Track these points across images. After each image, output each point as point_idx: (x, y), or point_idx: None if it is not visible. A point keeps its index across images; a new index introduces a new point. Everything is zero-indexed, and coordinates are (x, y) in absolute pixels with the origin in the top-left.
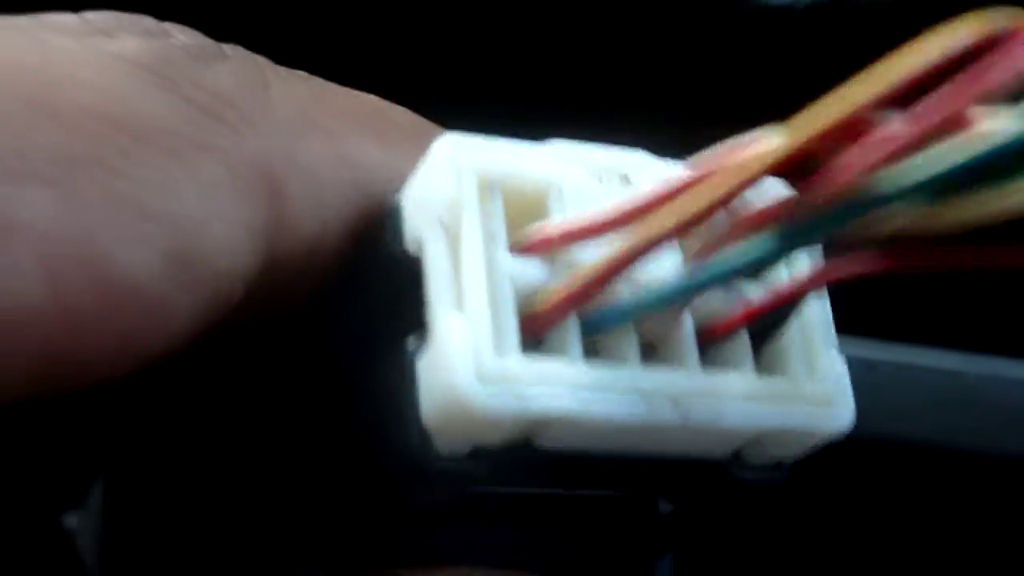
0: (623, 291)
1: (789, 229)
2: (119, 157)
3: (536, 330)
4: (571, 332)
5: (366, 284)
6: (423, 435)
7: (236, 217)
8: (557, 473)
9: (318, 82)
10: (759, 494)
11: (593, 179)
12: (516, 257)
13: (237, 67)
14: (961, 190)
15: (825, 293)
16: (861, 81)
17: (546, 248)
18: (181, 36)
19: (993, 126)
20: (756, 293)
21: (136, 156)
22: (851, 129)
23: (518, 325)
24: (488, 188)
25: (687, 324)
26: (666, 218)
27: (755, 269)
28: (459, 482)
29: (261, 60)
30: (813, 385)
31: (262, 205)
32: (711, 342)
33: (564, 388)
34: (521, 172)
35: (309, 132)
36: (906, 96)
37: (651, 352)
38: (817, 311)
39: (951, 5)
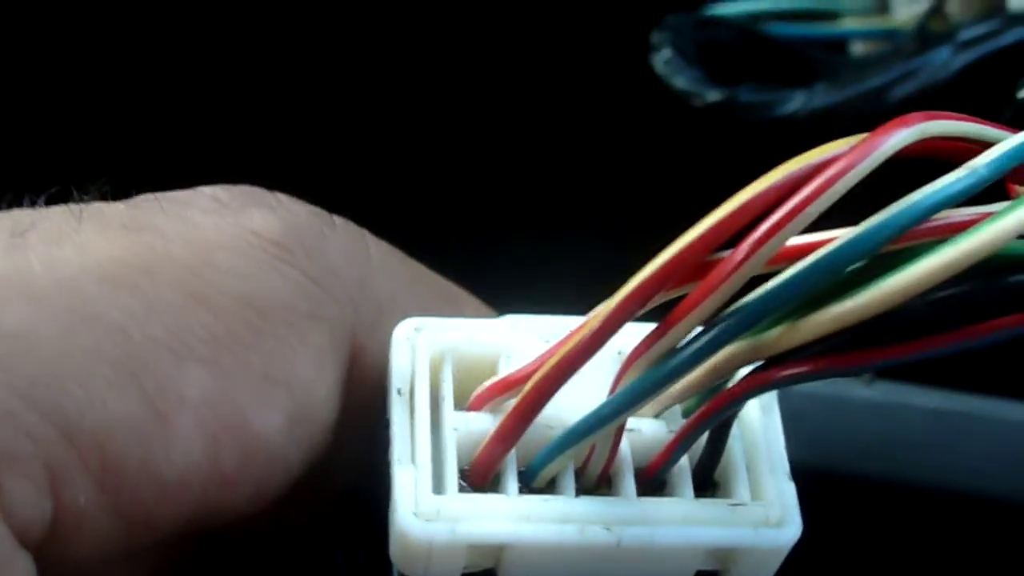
0: (552, 435)
1: (654, 366)
2: (250, 332)
3: (481, 473)
4: (508, 471)
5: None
6: (399, 573)
7: (332, 379)
8: None
9: (409, 262)
10: None
11: (541, 342)
12: (464, 413)
13: (345, 239)
14: (800, 306)
15: (777, 418)
16: (696, 226)
17: (484, 402)
18: (297, 207)
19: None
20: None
21: (263, 330)
22: (691, 266)
23: (459, 470)
24: (440, 360)
25: (624, 458)
26: (557, 361)
27: (635, 404)
28: None
29: (365, 232)
30: (756, 506)
31: (345, 368)
32: (653, 474)
33: (497, 519)
34: (471, 344)
35: (392, 311)
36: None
37: (596, 488)
38: (764, 433)
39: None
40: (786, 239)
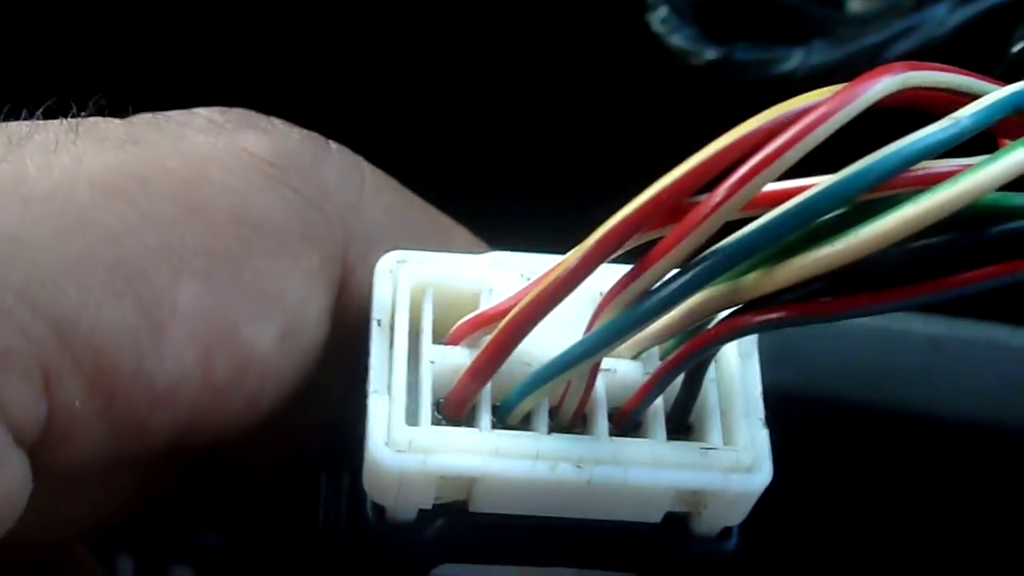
0: (528, 371)
1: (630, 306)
2: (243, 248)
3: (456, 406)
4: (482, 406)
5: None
6: (373, 506)
7: (323, 299)
8: (507, 543)
9: (403, 192)
10: (711, 562)
11: (522, 280)
12: (443, 347)
13: (339, 163)
14: (779, 251)
15: (756, 364)
16: (674, 169)
17: (462, 336)
18: (292, 130)
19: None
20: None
21: (255, 247)
22: (669, 208)
23: (434, 402)
24: (421, 293)
25: (599, 398)
26: (532, 299)
27: (609, 344)
28: (413, 543)
29: (360, 159)
30: (727, 450)
31: (335, 291)
32: (628, 414)
33: (469, 453)
34: (452, 278)
35: (383, 238)
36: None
37: (570, 426)
38: (741, 378)
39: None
40: (763, 184)
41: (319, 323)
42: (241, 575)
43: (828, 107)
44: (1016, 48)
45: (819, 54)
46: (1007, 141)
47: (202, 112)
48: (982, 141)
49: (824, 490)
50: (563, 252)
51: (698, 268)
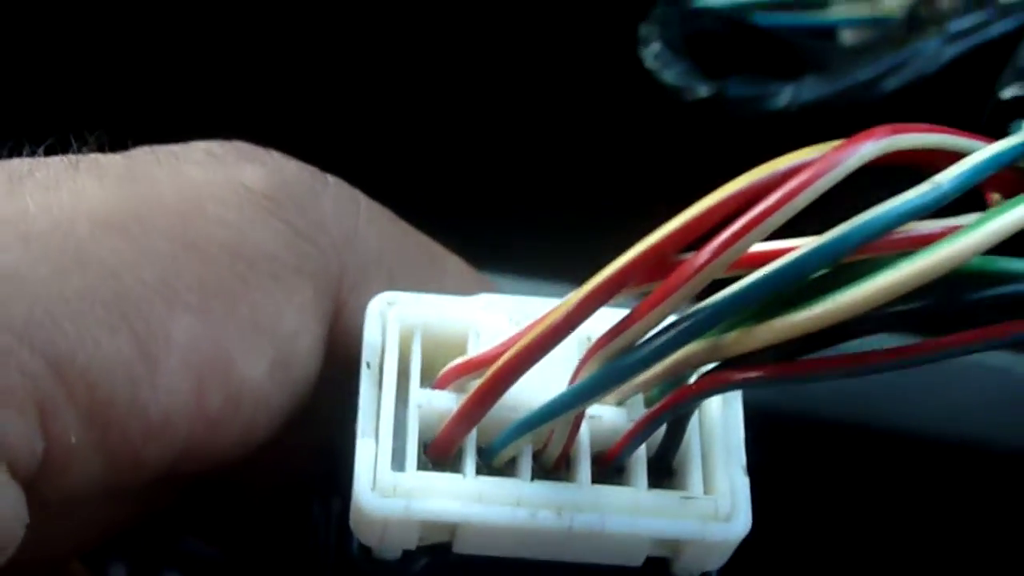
0: (513, 417)
1: (613, 360)
2: (238, 282)
3: (442, 450)
4: (467, 451)
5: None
6: (359, 544)
7: (316, 330)
8: None
9: (398, 223)
10: None
11: (512, 324)
12: (430, 391)
13: (335, 195)
14: (760, 311)
15: (739, 412)
16: (662, 226)
17: (450, 380)
18: (290, 164)
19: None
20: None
21: (250, 280)
22: (655, 265)
23: (419, 446)
24: (410, 335)
25: (583, 443)
26: (518, 350)
27: (592, 396)
28: None
29: (357, 192)
30: (706, 499)
31: (328, 322)
32: (611, 460)
33: (451, 498)
34: (441, 321)
35: (377, 270)
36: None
37: (554, 469)
38: (724, 425)
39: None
40: (748, 246)
41: (312, 354)
42: None
43: (811, 173)
44: (1005, 95)
45: (811, 89)
46: (994, 196)
47: (200, 145)
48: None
49: (798, 508)
50: (554, 281)
51: (682, 327)
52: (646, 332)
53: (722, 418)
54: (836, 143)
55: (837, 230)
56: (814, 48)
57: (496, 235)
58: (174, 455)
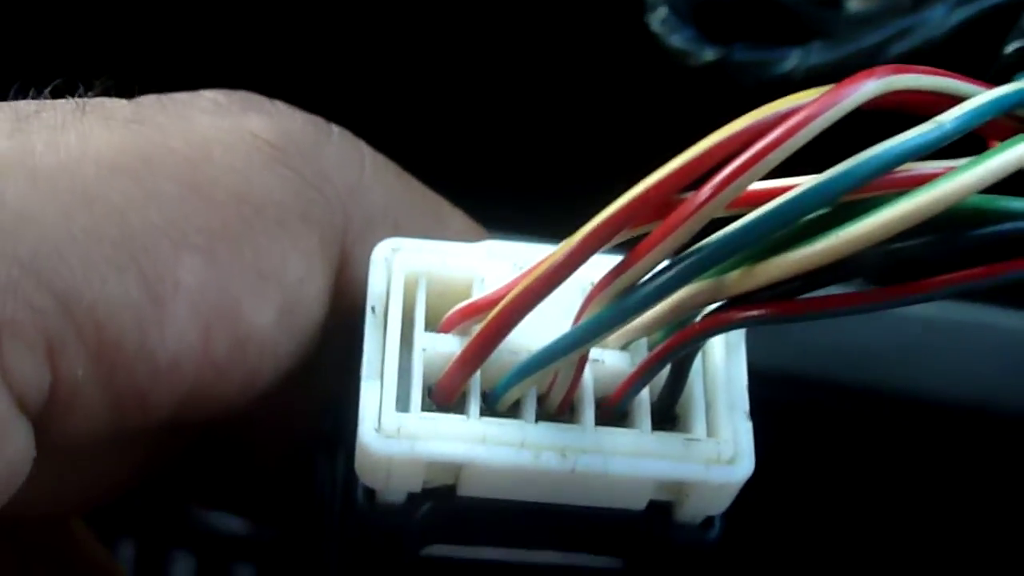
0: (517, 361)
1: (616, 300)
2: (244, 227)
3: (446, 393)
4: (471, 393)
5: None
6: (364, 489)
7: (321, 279)
8: (494, 526)
9: (403, 176)
10: (693, 549)
11: (515, 270)
12: (434, 334)
13: (340, 146)
14: (762, 250)
15: (743, 358)
16: (662, 167)
17: (454, 324)
18: (296, 114)
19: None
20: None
21: (256, 226)
22: (656, 204)
23: (424, 389)
24: (415, 281)
25: (587, 387)
26: (520, 290)
27: (594, 337)
28: (403, 525)
29: (361, 143)
30: (710, 442)
31: (334, 271)
32: (614, 404)
33: (456, 440)
34: (446, 267)
35: (382, 220)
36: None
37: (558, 414)
38: (727, 372)
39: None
40: (748, 184)
41: (318, 302)
42: (243, 557)
43: (811, 110)
44: (1009, 49)
45: (817, 55)
46: (996, 143)
47: (207, 94)
48: (973, 141)
49: (810, 472)
50: (558, 242)
51: (682, 265)
52: (648, 271)
53: (725, 365)
54: (832, 86)
55: (838, 167)
56: (820, 14)
57: (502, 201)
58: (179, 399)
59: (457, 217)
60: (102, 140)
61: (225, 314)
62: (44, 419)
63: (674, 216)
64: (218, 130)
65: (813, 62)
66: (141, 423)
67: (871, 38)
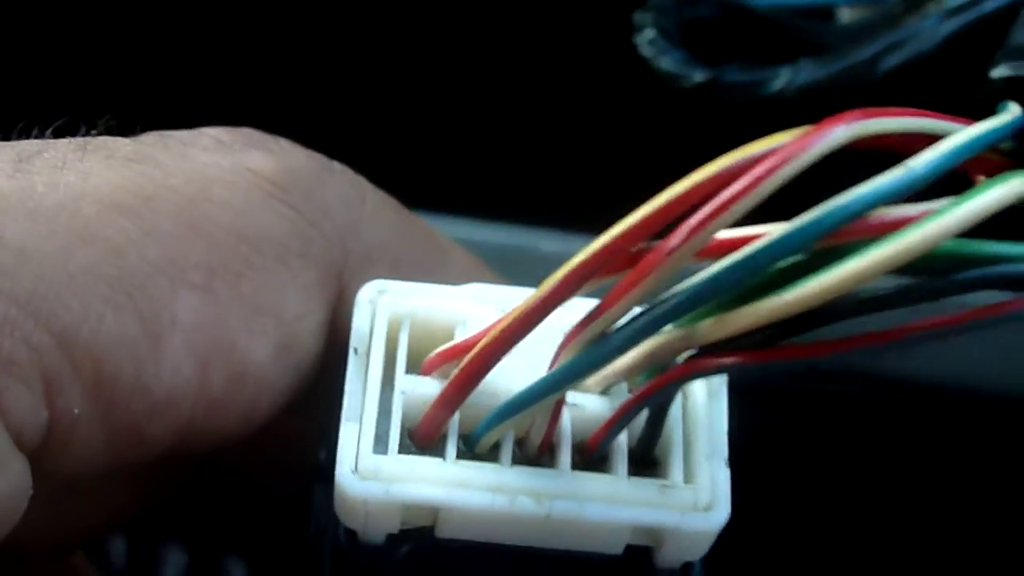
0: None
1: (589, 346)
2: (242, 264)
3: (425, 436)
4: (449, 436)
5: None
6: (344, 529)
7: (318, 314)
8: (475, 570)
9: (403, 212)
10: None
11: (498, 313)
12: (415, 377)
13: (341, 182)
14: (734, 298)
15: (723, 404)
16: (629, 216)
17: (435, 367)
18: (296, 151)
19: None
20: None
21: (254, 263)
22: (623, 254)
23: (403, 432)
24: (399, 324)
25: (565, 431)
26: (494, 335)
27: (569, 381)
28: (384, 566)
29: (363, 180)
30: (687, 489)
31: (331, 307)
32: (593, 449)
33: (431, 482)
34: (430, 310)
35: (381, 258)
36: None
37: (536, 457)
38: (708, 418)
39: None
40: (715, 231)
41: (314, 337)
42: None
43: (778, 159)
44: (995, 74)
45: (807, 72)
46: (980, 179)
47: (209, 132)
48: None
49: (809, 458)
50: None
51: (653, 313)
52: (618, 318)
53: (706, 411)
54: (805, 129)
55: (807, 215)
56: (810, 29)
57: (491, 225)
58: (176, 434)
59: (458, 254)
60: (102, 179)
61: (222, 350)
62: (41, 455)
63: (642, 264)
64: (219, 168)
65: (803, 80)
66: (137, 457)
67: (861, 53)
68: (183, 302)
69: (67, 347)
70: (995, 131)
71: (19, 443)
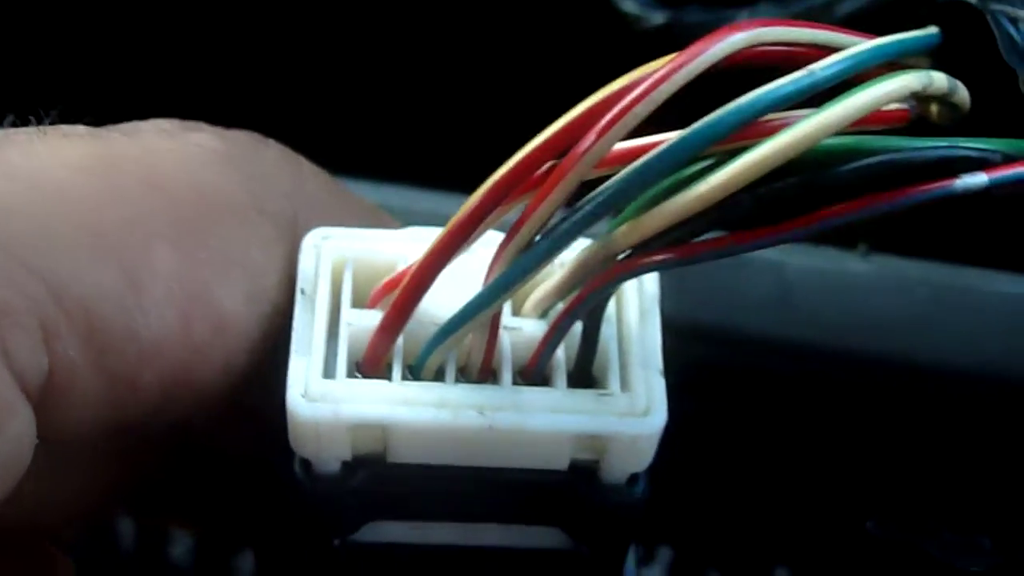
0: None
1: (515, 258)
2: (206, 220)
3: (372, 363)
4: (395, 361)
5: None
6: (300, 460)
7: (280, 266)
8: (428, 497)
9: (338, 183)
10: (621, 508)
11: None
12: (360, 310)
13: (278, 152)
14: (645, 203)
15: (656, 321)
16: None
17: (378, 299)
18: (232, 131)
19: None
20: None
21: (216, 218)
22: (529, 175)
23: (350, 362)
24: (342, 265)
25: (505, 353)
26: (423, 258)
27: (499, 295)
28: (339, 495)
29: (295, 153)
30: (623, 396)
31: (290, 261)
32: (533, 368)
33: (378, 402)
34: (371, 252)
35: (326, 214)
36: None
37: (479, 381)
38: (640, 336)
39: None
40: (611, 144)
41: (280, 289)
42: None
43: (669, 67)
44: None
45: (766, 14)
46: None
47: (151, 122)
48: None
49: (824, 443)
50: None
51: (570, 219)
52: (537, 230)
53: (639, 329)
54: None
55: (704, 119)
56: None
57: (454, 166)
58: (166, 384)
59: (386, 218)
60: (68, 149)
61: (199, 299)
62: (43, 406)
63: (556, 171)
64: (168, 142)
65: None
66: (132, 410)
67: None
68: (159, 254)
69: (59, 296)
70: (902, 41)
71: (23, 389)
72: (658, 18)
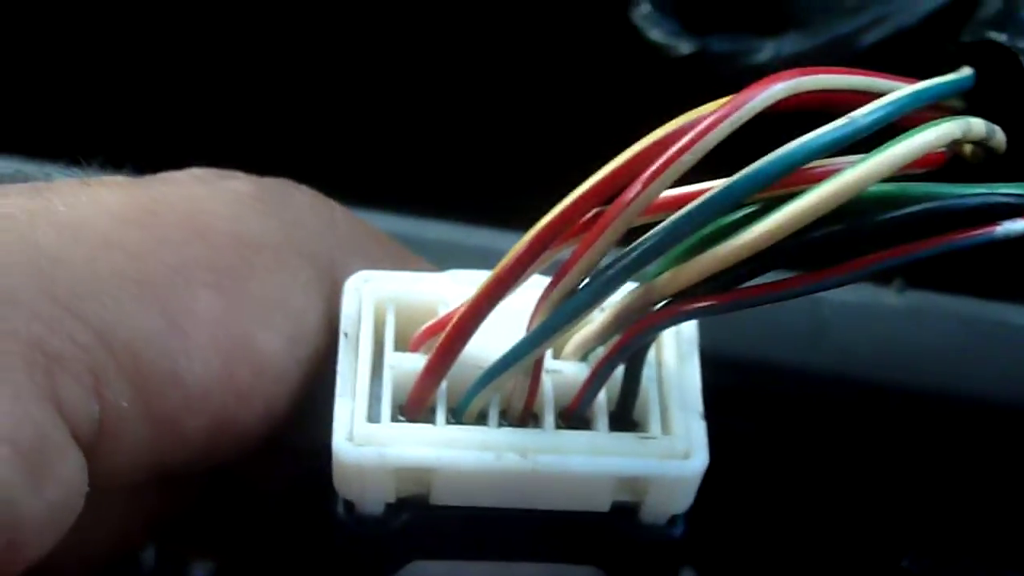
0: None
1: (558, 305)
2: (246, 265)
3: (415, 406)
4: (438, 405)
5: None
6: (343, 502)
7: (320, 308)
8: (470, 537)
9: (369, 225)
10: (658, 546)
11: (475, 290)
12: (402, 354)
13: (311, 197)
14: (687, 251)
15: (695, 364)
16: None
17: (420, 343)
18: (263, 178)
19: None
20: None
21: (256, 263)
22: (575, 221)
23: (394, 404)
24: (384, 308)
25: (547, 396)
26: (471, 302)
27: (543, 341)
28: (382, 536)
29: (326, 198)
30: (664, 439)
31: (329, 302)
32: (574, 411)
33: (423, 445)
34: (413, 293)
35: (356, 252)
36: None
37: (521, 424)
38: (679, 378)
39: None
40: (667, 184)
41: (320, 331)
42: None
43: (716, 116)
44: (963, 39)
45: (791, 44)
46: None
47: (184, 172)
48: None
49: (858, 477)
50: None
51: (614, 267)
52: (583, 277)
53: (678, 372)
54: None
55: (748, 168)
56: (796, 2)
57: (484, 194)
58: (210, 428)
59: (416, 260)
60: (110, 198)
61: (242, 344)
62: (94, 452)
63: (601, 220)
64: (204, 189)
65: (787, 52)
66: (178, 455)
67: (844, 27)
68: (201, 300)
69: (108, 344)
70: (939, 86)
71: (75, 436)
72: (686, 47)
